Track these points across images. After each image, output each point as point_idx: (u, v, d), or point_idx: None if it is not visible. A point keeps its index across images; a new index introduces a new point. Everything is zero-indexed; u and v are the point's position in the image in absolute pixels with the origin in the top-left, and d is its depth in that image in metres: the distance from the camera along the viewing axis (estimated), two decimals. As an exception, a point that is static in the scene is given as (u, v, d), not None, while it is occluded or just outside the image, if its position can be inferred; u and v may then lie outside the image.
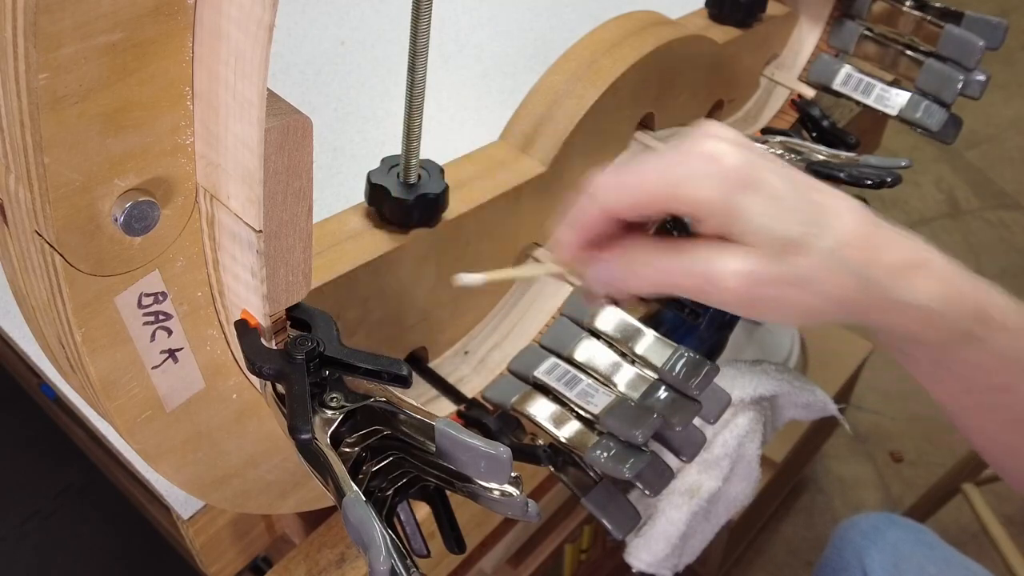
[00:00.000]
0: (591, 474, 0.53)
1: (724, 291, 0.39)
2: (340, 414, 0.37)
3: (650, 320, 0.66)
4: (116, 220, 0.32)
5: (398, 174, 0.51)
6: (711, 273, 0.39)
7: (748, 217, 0.38)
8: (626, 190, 0.40)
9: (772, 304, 0.40)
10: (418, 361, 0.58)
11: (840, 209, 0.40)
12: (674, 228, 0.64)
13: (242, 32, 0.30)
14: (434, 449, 0.36)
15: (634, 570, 0.82)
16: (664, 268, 0.40)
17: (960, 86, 0.70)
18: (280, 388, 0.38)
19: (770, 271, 0.39)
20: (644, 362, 0.53)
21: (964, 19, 0.70)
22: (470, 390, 0.57)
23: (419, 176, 0.51)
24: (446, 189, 0.51)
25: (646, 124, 0.67)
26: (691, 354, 0.52)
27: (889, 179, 0.57)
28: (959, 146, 2.20)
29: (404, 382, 0.38)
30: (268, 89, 0.31)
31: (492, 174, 0.56)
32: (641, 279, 0.41)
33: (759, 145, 0.66)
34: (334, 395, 0.37)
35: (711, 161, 0.38)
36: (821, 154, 0.63)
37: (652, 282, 0.41)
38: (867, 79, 0.74)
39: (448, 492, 0.41)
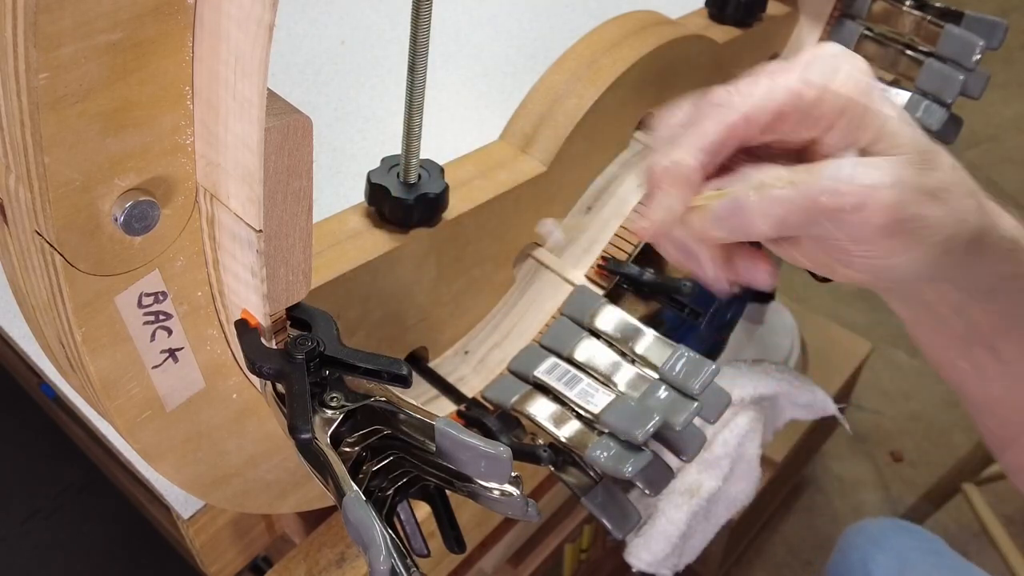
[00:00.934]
0: (591, 474, 0.53)
1: (875, 208, 0.34)
2: (340, 414, 0.37)
3: (650, 320, 0.66)
4: (116, 220, 0.32)
5: (398, 174, 0.51)
6: (864, 184, 0.34)
7: (892, 120, 0.35)
8: (770, 92, 0.35)
9: (914, 226, 0.35)
10: (418, 361, 0.58)
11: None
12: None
13: (242, 32, 0.30)
14: (434, 449, 0.36)
15: (634, 570, 0.82)
16: (809, 187, 0.34)
17: (960, 86, 0.70)
18: (280, 388, 0.38)
19: (917, 180, 0.34)
20: (644, 362, 0.53)
21: (964, 19, 0.70)
22: (470, 390, 0.57)
23: (419, 176, 0.51)
24: (446, 189, 0.51)
25: (646, 123, 0.67)
26: (691, 354, 0.52)
27: (889, 179, 0.57)
28: (959, 146, 2.20)
29: (404, 382, 0.38)
30: (268, 89, 0.31)
31: (492, 174, 0.56)
32: (779, 205, 0.34)
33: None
34: (334, 395, 0.37)
35: (850, 59, 0.35)
36: (821, 154, 0.63)
37: (793, 207, 0.34)
38: (867, 79, 0.74)
39: (448, 492, 0.41)
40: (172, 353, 0.38)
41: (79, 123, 0.30)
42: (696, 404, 0.50)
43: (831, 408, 0.85)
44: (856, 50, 0.76)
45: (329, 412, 0.37)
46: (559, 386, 0.53)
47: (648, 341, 0.54)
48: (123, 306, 0.35)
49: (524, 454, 0.52)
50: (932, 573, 0.81)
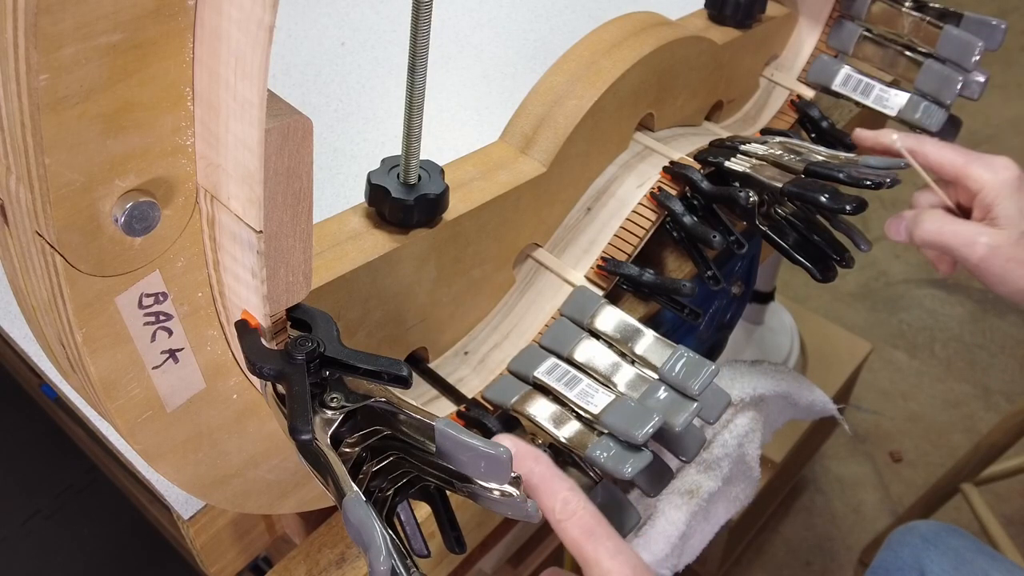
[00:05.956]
0: (591, 474, 0.53)
1: (974, 255, 0.58)
2: (340, 414, 0.37)
3: (650, 320, 0.66)
4: (117, 220, 0.33)
5: (398, 175, 0.51)
6: (972, 238, 0.58)
7: (1011, 210, 0.58)
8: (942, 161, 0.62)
9: (1001, 273, 0.57)
10: (418, 361, 0.58)
11: None
12: (673, 229, 0.64)
13: (243, 33, 0.30)
14: (434, 449, 0.36)
15: (634, 570, 0.82)
16: (944, 227, 0.59)
17: (959, 87, 0.70)
18: (280, 388, 0.38)
19: (1010, 248, 0.57)
20: (644, 362, 0.53)
21: (963, 20, 0.70)
22: (470, 390, 0.57)
23: (419, 177, 0.51)
24: (446, 190, 0.51)
25: (645, 124, 0.67)
26: (691, 354, 0.52)
27: (888, 180, 0.57)
28: (959, 146, 2.20)
29: (404, 382, 0.38)
30: (268, 90, 0.31)
31: (492, 174, 0.56)
32: (926, 230, 0.60)
33: (758, 145, 0.66)
34: (334, 395, 0.37)
35: (1009, 167, 0.60)
36: (820, 155, 0.63)
37: (932, 233, 0.60)
38: (866, 80, 0.75)
39: (448, 492, 0.41)
40: (172, 354, 0.38)
41: (80, 124, 0.30)
42: (696, 405, 0.51)
43: (830, 408, 0.85)
44: (855, 51, 0.76)
45: (329, 413, 0.37)
46: (559, 387, 0.53)
47: (648, 341, 0.54)
48: (124, 307, 0.35)
49: (524, 454, 0.52)
50: (989, 571, 0.81)
